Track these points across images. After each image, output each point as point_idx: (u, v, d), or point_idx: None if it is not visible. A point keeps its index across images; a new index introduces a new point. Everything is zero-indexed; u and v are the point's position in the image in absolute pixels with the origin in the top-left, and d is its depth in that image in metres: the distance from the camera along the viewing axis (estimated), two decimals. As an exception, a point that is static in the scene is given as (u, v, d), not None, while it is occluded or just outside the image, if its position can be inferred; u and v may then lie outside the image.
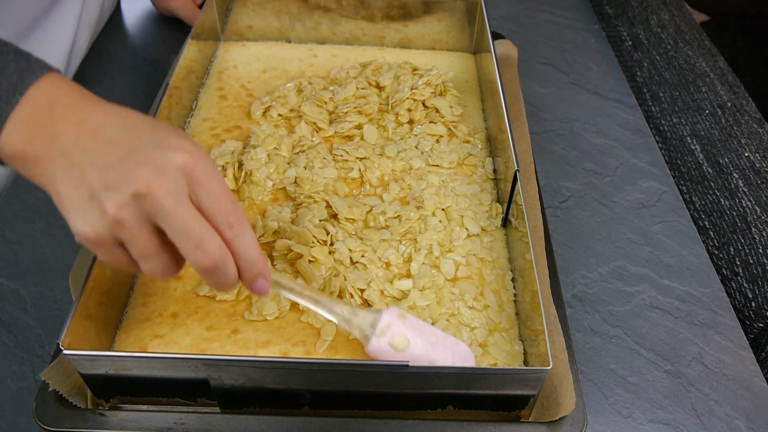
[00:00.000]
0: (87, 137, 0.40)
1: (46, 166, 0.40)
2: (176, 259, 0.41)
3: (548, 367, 0.43)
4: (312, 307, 0.46)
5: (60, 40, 0.76)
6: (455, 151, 0.66)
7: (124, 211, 0.38)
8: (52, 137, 0.40)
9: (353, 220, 0.59)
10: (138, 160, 0.39)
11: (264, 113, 0.71)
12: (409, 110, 0.70)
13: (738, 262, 0.66)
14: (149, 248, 0.40)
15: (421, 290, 0.53)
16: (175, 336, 0.51)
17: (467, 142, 0.68)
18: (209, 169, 0.40)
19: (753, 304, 0.63)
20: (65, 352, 0.43)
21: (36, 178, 0.41)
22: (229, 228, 0.40)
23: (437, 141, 0.68)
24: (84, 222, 0.39)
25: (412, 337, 0.46)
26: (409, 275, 0.55)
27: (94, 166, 0.39)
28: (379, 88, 0.73)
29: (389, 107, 0.70)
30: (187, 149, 0.40)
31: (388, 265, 0.55)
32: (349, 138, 0.68)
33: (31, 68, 0.40)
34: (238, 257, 0.41)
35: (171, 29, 0.91)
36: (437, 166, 0.65)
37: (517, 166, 0.56)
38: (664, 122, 0.84)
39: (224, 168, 0.63)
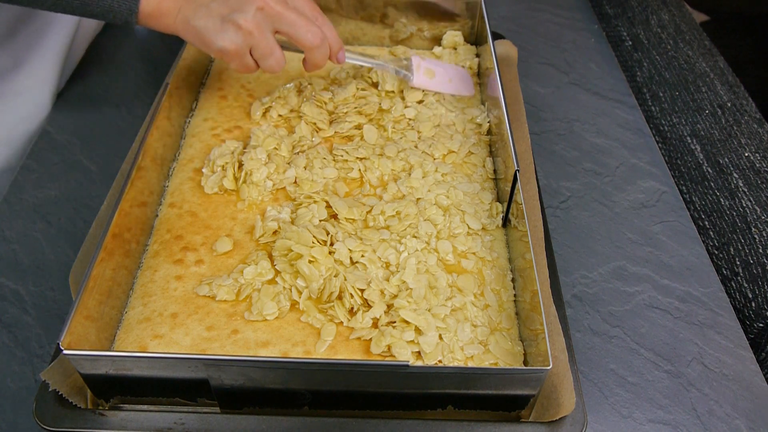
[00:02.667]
0: None
1: (176, 14, 0.57)
2: (282, 56, 0.60)
3: (548, 367, 0.43)
4: (370, 64, 0.69)
5: (58, 39, 0.76)
6: (456, 142, 0.67)
7: (252, 23, 0.56)
8: None
9: (353, 220, 0.59)
10: None
11: (264, 113, 0.71)
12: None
13: (738, 262, 0.66)
14: (269, 47, 0.58)
15: (416, 270, 0.54)
16: (175, 336, 0.51)
17: (463, 132, 0.68)
18: None
19: (753, 304, 0.63)
20: (65, 352, 0.43)
21: (169, 28, 0.58)
22: (317, 20, 0.61)
23: (437, 126, 0.69)
24: (225, 39, 0.56)
25: (435, 67, 0.72)
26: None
27: (216, 1, 0.56)
28: (375, 86, 0.73)
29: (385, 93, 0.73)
30: None
31: (387, 264, 0.55)
32: (349, 138, 0.68)
33: None
34: (327, 38, 0.61)
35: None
36: (435, 158, 0.65)
37: (517, 166, 0.56)
38: (664, 122, 0.84)
39: (224, 168, 0.63)
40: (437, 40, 0.82)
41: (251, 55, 0.59)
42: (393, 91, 0.73)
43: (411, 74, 0.71)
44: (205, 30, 0.56)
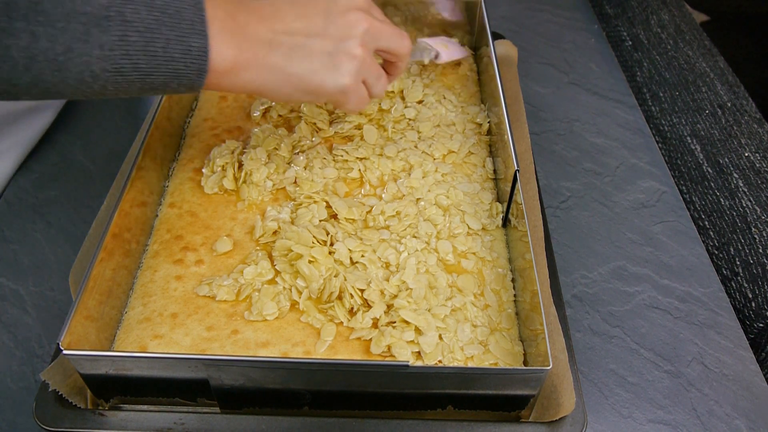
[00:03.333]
0: (277, 24, 0.48)
1: (260, 66, 0.47)
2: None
3: (548, 367, 0.43)
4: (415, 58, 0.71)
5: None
6: (456, 142, 0.67)
7: (363, 48, 0.50)
8: (251, 40, 0.46)
9: (353, 220, 0.59)
10: (340, 11, 0.49)
11: (264, 113, 0.71)
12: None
13: (738, 262, 0.66)
14: (378, 70, 0.53)
15: (416, 270, 0.54)
16: (175, 336, 0.51)
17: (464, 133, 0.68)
18: None
19: (753, 304, 0.63)
20: (65, 352, 0.43)
21: (250, 84, 0.47)
22: (392, 24, 0.54)
23: (437, 126, 0.69)
24: (340, 76, 0.49)
25: (444, 42, 0.74)
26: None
27: (312, 37, 0.48)
28: None
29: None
30: None
31: (387, 264, 0.55)
32: (349, 138, 0.68)
33: None
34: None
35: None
36: (435, 158, 0.65)
37: (517, 166, 0.56)
38: (664, 122, 0.84)
39: (224, 168, 0.63)
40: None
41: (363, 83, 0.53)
42: (393, 91, 0.73)
43: (436, 51, 0.72)
44: (311, 74, 0.48)
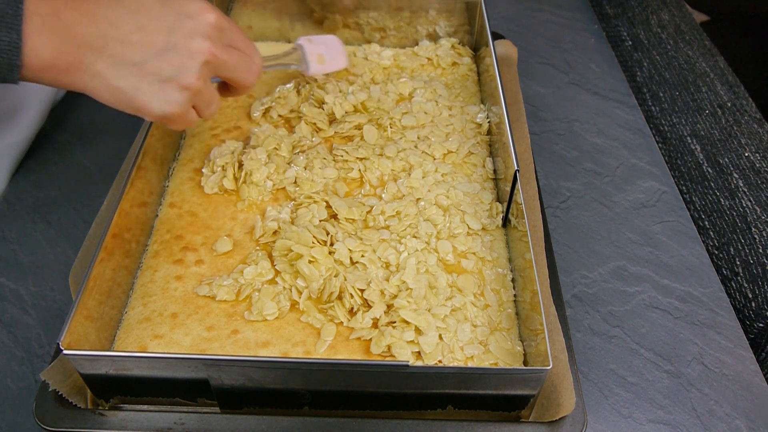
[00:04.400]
0: (112, 31, 0.45)
1: (84, 70, 0.44)
2: (219, 99, 0.53)
3: (548, 367, 0.43)
4: (276, 67, 0.67)
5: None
6: (456, 142, 0.67)
7: (200, 80, 0.47)
8: (77, 42, 0.43)
9: (353, 220, 0.59)
10: (184, 35, 0.46)
11: (264, 113, 0.71)
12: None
13: (738, 262, 0.66)
14: (212, 96, 0.51)
15: (416, 270, 0.54)
16: (175, 336, 0.51)
17: (463, 131, 0.68)
18: (224, 15, 0.50)
19: (753, 304, 0.63)
20: (65, 352, 0.43)
21: (74, 85, 0.45)
22: (248, 49, 0.53)
23: (432, 121, 0.69)
24: (165, 103, 0.47)
25: (323, 50, 0.70)
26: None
27: (149, 56, 0.45)
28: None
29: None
30: (205, 7, 0.48)
31: (387, 264, 0.55)
32: (349, 138, 0.68)
33: None
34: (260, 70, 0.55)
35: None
36: (435, 158, 0.65)
37: (517, 166, 0.56)
38: (664, 122, 0.84)
39: (224, 168, 0.63)
40: (432, 38, 0.82)
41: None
42: (401, 94, 0.73)
43: (306, 64, 0.68)
44: (135, 92, 0.46)
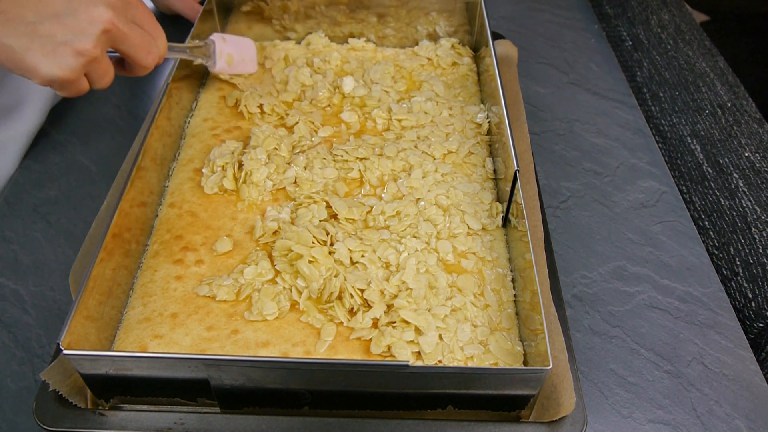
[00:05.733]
0: None
1: None
2: (113, 73, 0.52)
3: (548, 367, 0.43)
4: (181, 56, 0.66)
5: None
6: (456, 142, 0.67)
7: (97, 48, 0.47)
8: None
9: (353, 220, 0.59)
10: (86, 1, 0.46)
11: (262, 110, 0.71)
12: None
13: (738, 262, 0.66)
14: (107, 69, 0.50)
15: (416, 270, 0.54)
16: (175, 336, 0.51)
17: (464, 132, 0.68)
18: None
19: (753, 304, 0.63)
20: (65, 352, 0.43)
21: None
22: (154, 31, 0.54)
23: (431, 121, 0.69)
24: (56, 66, 0.46)
25: (233, 51, 0.71)
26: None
27: (44, 17, 0.45)
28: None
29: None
30: None
31: (387, 264, 0.55)
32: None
33: None
34: (161, 53, 0.55)
35: (171, 28, 0.91)
36: (435, 158, 0.65)
37: (517, 166, 0.56)
38: (664, 122, 0.84)
39: (224, 168, 0.63)
40: (432, 38, 0.82)
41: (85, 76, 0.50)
42: (402, 91, 0.73)
43: (213, 60, 0.69)
44: (26, 52, 0.45)
